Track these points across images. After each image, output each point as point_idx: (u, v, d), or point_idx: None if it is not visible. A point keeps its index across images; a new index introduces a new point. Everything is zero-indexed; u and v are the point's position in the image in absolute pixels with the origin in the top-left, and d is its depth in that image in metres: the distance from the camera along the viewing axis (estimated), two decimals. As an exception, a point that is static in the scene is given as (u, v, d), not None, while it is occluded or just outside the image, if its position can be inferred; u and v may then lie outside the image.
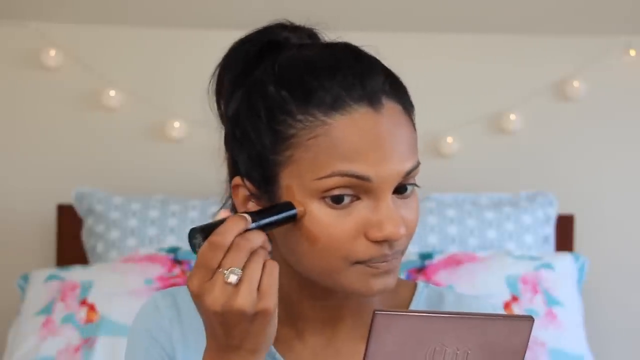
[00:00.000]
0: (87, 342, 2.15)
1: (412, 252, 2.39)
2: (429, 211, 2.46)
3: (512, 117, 2.68)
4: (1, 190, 2.72)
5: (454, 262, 2.30)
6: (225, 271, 0.94)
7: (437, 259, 2.32)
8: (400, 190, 1.03)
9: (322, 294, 1.08)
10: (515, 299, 2.24)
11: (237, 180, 1.07)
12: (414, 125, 1.06)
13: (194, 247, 0.97)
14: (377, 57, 1.07)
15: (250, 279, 0.94)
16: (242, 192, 1.07)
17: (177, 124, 2.67)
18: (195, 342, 1.11)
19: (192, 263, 2.28)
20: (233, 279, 0.94)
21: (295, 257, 1.06)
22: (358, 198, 1.01)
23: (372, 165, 1.00)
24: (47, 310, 2.23)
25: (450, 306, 1.15)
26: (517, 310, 2.22)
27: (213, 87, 1.19)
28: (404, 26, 2.62)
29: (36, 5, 2.67)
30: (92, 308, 2.20)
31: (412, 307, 1.15)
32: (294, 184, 1.02)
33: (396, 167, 1.01)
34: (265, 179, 1.04)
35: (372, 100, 1.01)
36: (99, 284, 2.24)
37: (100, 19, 2.71)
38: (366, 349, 0.85)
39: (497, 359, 0.85)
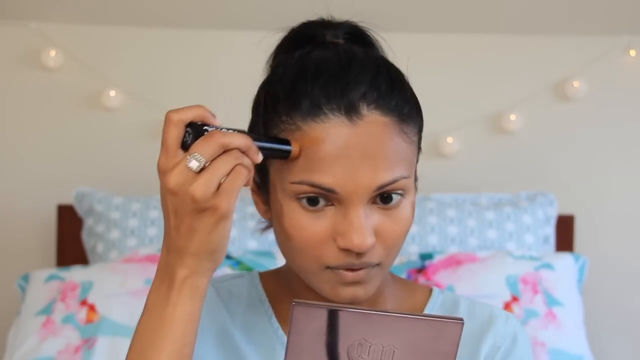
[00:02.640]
0: (87, 342, 2.15)
1: (413, 252, 2.39)
2: (429, 211, 2.46)
3: (512, 117, 2.69)
4: (1, 190, 2.72)
5: (454, 262, 2.30)
6: (189, 155, 0.93)
7: (437, 259, 2.32)
8: (384, 200, 1.02)
9: None
10: (515, 299, 2.24)
11: None
12: (411, 136, 1.04)
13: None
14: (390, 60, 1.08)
15: (212, 172, 0.94)
16: (252, 180, 1.09)
17: (177, 124, 2.67)
18: (212, 334, 1.13)
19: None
20: (193, 164, 0.93)
21: (282, 251, 1.09)
22: (332, 204, 1.02)
23: (339, 178, 1.00)
24: (48, 310, 2.23)
25: (463, 311, 1.16)
26: (517, 310, 2.22)
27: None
28: (403, 27, 2.63)
29: (36, 5, 2.67)
30: (92, 308, 2.20)
31: (426, 311, 1.16)
32: (277, 180, 1.05)
33: (365, 181, 1.00)
34: (261, 170, 1.08)
35: (349, 111, 1.00)
36: (99, 284, 2.24)
37: (100, 19, 2.71)
38: (288, 341, 0.86)
39: (425, 359, 0.85)
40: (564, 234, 2.61)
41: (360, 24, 1.13)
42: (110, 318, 2.18)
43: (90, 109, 2.70)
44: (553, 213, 2.52)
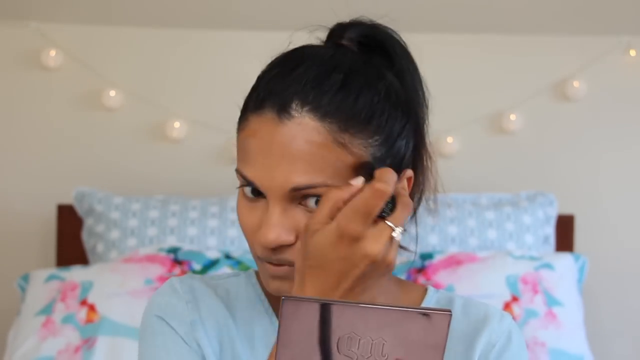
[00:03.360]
0: (87, 342, 2.15)
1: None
2: (429, 211, 2.45)
3: (512, 117, 2.69)
4: (1, 190, 2.72)
5: (454, 262, 2.30)
6: (396, 228, 0.96)
7: (437, 259, 2.32)
8: (317, 203, 1.02)
9: None
10: (515, 299, 2.24)
11: None
12: (353, 147, 1.02)
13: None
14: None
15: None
16: None
17: (177, 124, 2.67)
18: (212, 328, 1.14)
19: (193, 263, 2.28)
20: (398, 236, 0.96)
21: None
22: (264, 196, 1.04)
23: (258, 173, 1.02)
24: (47, 310, 2.23)
25: (458, 310, 1.16)
26: (517, 310, 2.22)
27: None
28: (403, 26, 2.62)
29: (36, 5, 2.67)
30: (92, 308, 2.20)
31: None
32: None
33: (280, 180, 1.01)
34: None
35: (281, 109, 1.01)
36: (99, 284, 2.24)
37: (100, 19, 2.71)
38: (278, 336, 0.86)
39: (415, 352, 0.85)
40: (564, 234, 2.61)
41: (388, 30, 1.14)
42: (110, 318, 2.18)
43: (90, 109, 2.70)
44: (553, 213, 2.52)
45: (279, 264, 1.04)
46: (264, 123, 1.02)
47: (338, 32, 1.12)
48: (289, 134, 1.00)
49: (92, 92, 2.69)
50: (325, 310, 0.85)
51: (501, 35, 2.72)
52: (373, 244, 0.94)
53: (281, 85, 1.03)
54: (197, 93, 2.71)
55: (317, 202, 1.02)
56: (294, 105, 1.01)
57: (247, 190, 1.04)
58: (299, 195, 1.02)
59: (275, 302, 1.17)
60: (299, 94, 1.02)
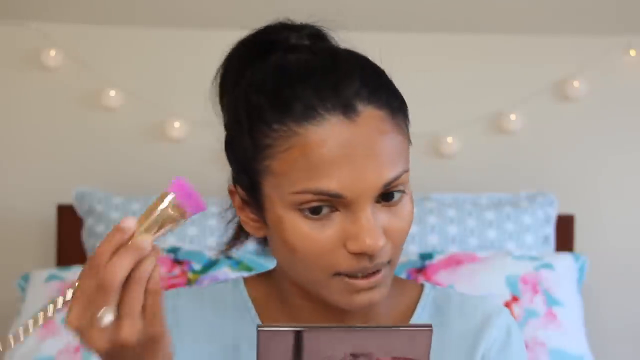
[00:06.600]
0: (87, 342, 2.15)
1: (412, 252, 2.39)
2: (429, 211, 2.45)
3: (512, 117, 2.68)
4: (1, 190, 2.71)
5: (454, 262, 2.30)
6: (99, 313, 0.88)
7: (437, 259, 2.32)
8: (386, 197, 0.99)
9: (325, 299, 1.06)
10: (515, 299, 2.24)
11: (231, 186, 1.08)
12: (403, 128, 1.02)
13: None
14: (375, 57, 1.04)
15: (131, 311, 0.88)
16: (237, 199, 1.07)
17: (177, 124, 2.67)
18: (191, 343, 1.11)
19: (193, 263, 2.28)
20: (108, 319, 0.88)
21: (282, 265, 1.06)
22: (337, 209, 0.98)
23: (345, 181, 0.96)
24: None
25: (455, 308, 1.14)
26: (517, 310, 2.22)
27: (216, 89, 1.15)
28: (403, 26, 2.62)
29: (36, 5, 2.67)
30: (92, 308, 2.20)
31: (419, 309, 1.14)
32: (274, 194, 1.00)
33: (372, 180, 0.97)
34: (251, 186, 1.03)
35: (346, 109, 0.96)
36: (99, 284, 2.24)
37: (100, 19, 2.71)
38: None
39: None
40: (564, 234, 2.61)
41: (321, 26, 1.09)
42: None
43: (90, 109, 2.70)
44: (553, 213, 2.52)
45: (374, 272, 1.00)
46: (329, 129, 0.96)
47: (283, 34, 1.08)
48: (364, 131, 0.96)
49: (92, 92, 2.69)
50: (300, 338, 0.84)
51: (501, 35, 2.72)
52: (89, 337, 0.91)
53: (332, 87, 0.97)
54: (197, 93, 2.69)
55: (386, 197, 0.99)
56: (357, 102, 0.97)
57: (307, 212, 0.98)
58: (384, 192, 0.98)
59: (264, 311, 1.13)
60: (357, 90, 0.98)
